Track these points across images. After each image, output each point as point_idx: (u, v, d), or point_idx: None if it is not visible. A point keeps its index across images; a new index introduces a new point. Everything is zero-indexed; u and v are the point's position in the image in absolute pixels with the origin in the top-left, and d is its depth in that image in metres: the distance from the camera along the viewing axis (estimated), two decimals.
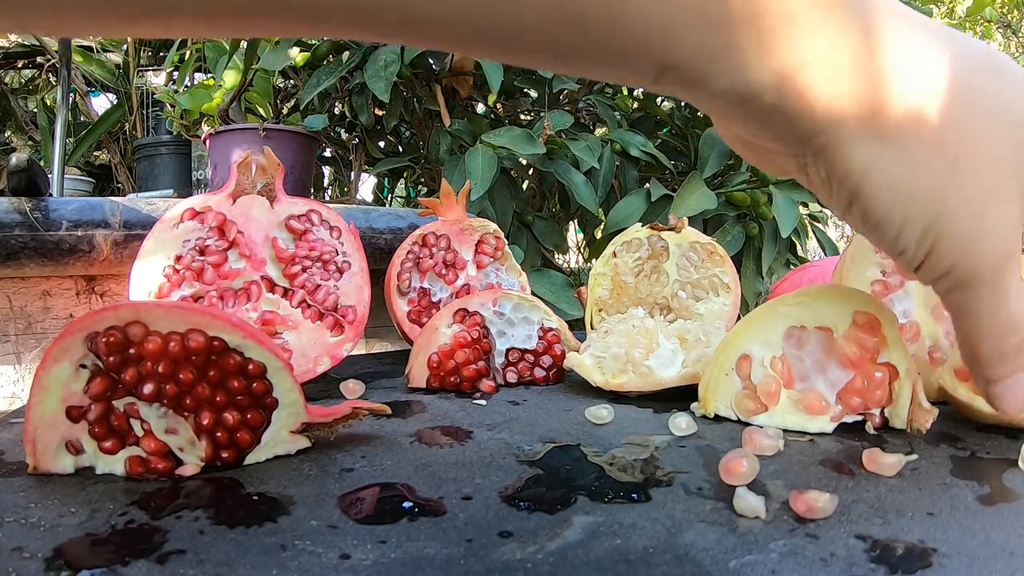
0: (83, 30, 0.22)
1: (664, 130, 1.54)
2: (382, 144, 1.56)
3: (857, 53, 0.25)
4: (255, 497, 0.30)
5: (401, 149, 1.60)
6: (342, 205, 1.11)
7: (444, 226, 0.66)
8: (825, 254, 1.44)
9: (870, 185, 0.27)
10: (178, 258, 0.51)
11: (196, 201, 0.53)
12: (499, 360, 0.54)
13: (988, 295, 0.29)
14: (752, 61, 0.24)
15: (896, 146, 0.26)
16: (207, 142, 1.24)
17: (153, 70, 1.78)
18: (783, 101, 0.25)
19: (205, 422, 0.33)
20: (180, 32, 0.23)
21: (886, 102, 0.26)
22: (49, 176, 1.24)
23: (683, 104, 1.54)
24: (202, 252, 0.52)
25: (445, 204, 0.66)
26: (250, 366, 0.34)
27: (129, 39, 1.78)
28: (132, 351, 0.32)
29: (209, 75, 1.49)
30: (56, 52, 1.63)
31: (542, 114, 1.24)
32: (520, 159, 1.25)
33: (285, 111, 1.52)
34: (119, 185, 1.96)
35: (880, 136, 0.26)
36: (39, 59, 1.88)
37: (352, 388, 0.49)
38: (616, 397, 0.49)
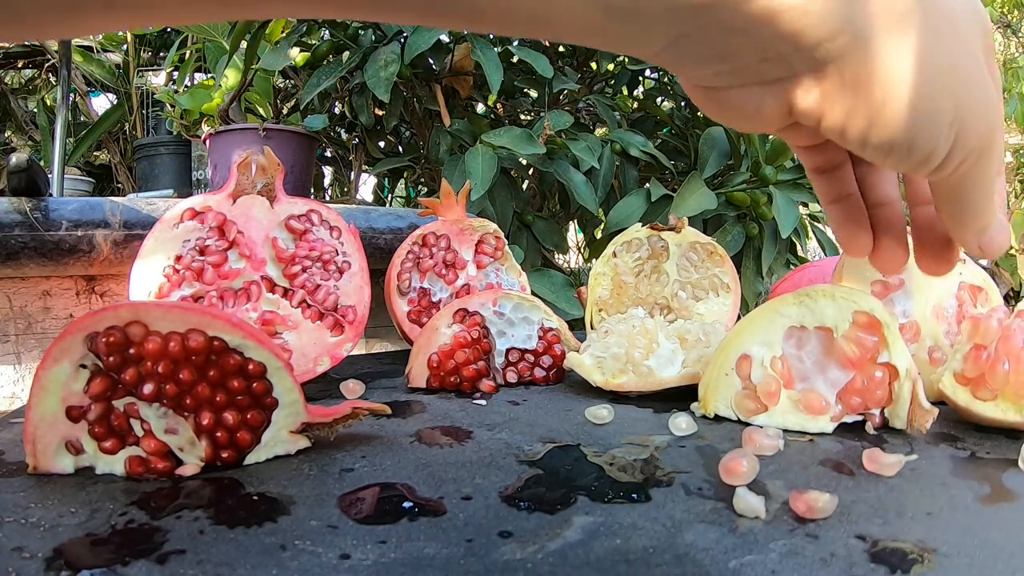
0: (184, 18, 0.22)
1: (664, 130, 1.54)
2: (382, 144, 1.56)
3: None
4: (255, 497, 0.30)
5: (401, 149, 1.60)
6: (342, 205, 1.11)
7: (444, 226, 0.66)
8: (825, 254, 1.44)
9: (902, 78, 0.25)
10: (178, 258, 0.51)
11: (196, 201, 0.53)
12: (499, 360, 0.54)
13: (992, 156, 0.29)
14: None
15: (912, 29, 0.25)
16: (207, 142, 1.24)
17: (153, 70, 1.78)
18: None
19: (205, 422, 0.33)
20: (271, 13, 0.23)
21: None
22: (49, 176, 1.24)
23: (683, 104, 1.54)
24: (202, 252, 0.52)
25: (445, 204, 0.66)
26: (250, 366, 0.34)
27: (129, 38, 1.78)
28: (132, 351, 0.32)
29: (209, 75, 1.49)
30: (56, 52, 1.63)
31: (542, 114, 1.24)
32: (520, 159, 1.24)
33: (285, 111, 1.52)
34: (119, 185, 1.96)
35: (896, 22, 0.25)
36: (39, 59, 1.88)
37: (352, 388, 0.49)
38: (616, 397, 0.49)
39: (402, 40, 1.16)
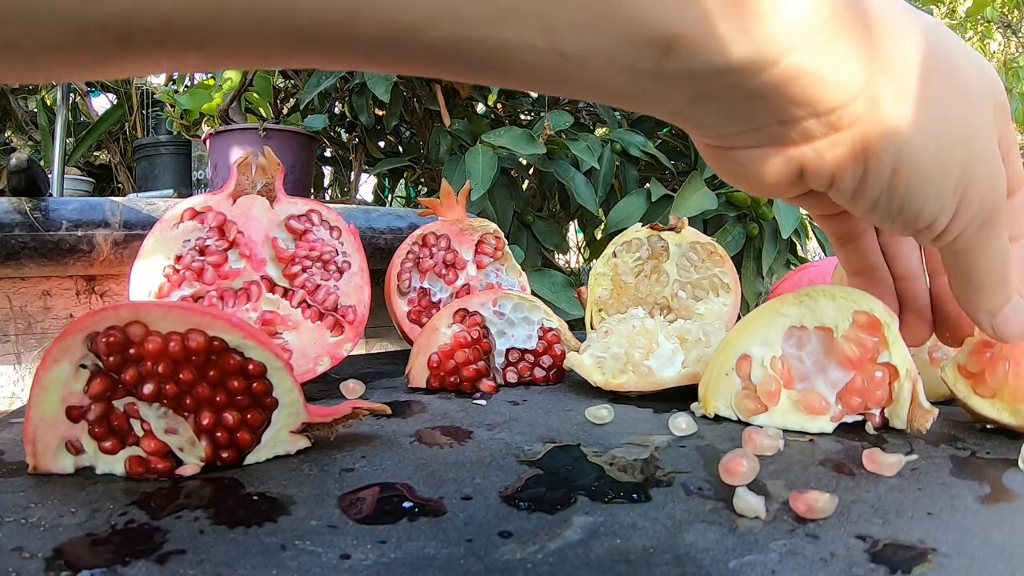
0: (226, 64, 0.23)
1: (664, 130, 1.54)
2: (382, 144, 1.56)
3: (856, 16, 0.25)
4: (255, 497, 0.30)
5: (401, 149, 1.60)
6: (342, 205, 1.11)
7: (444, 226, 0.66)
8: (825, 254, 1.44)
9: (912, 147, 0.25)
10: (178, 258, 0.51)
11: (196, 201, 0.53)
12: (499, 360, 0.54)
13: (999, 225, 0.29)
14: (768, 20, 0.23)
15: (926, 99, 0.26)
16: (207, 142, 1.24)
17: None
18: (811, 62, 0.24)
19: (205, 422, 0.33)
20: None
21: (906, 55, 0.25)
22: (49, 176, 1.24)
23: None
24: (202, 252, 0.52)
25: (445, 204, 0.66)
26: (250, 366, 0.34)
27: None
28: (132, 351, 0.32)
29: (209, 75, 1.49)
30: None
31: (542, 114, 1.24)
32: (520, 159, 1.25)
33: (285, 111, 1.52)
34: (119, 185, 1.96)
35: (911, 91, 0.25)
36: None
37: (352, 388, 0.49)
38: (616, 397, 0.49)
39: None
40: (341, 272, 0.56)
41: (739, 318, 0.57)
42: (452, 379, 0.51)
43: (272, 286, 0.53)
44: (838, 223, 0.35)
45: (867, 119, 0.25)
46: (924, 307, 0.35)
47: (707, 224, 1.31)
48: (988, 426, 0.41)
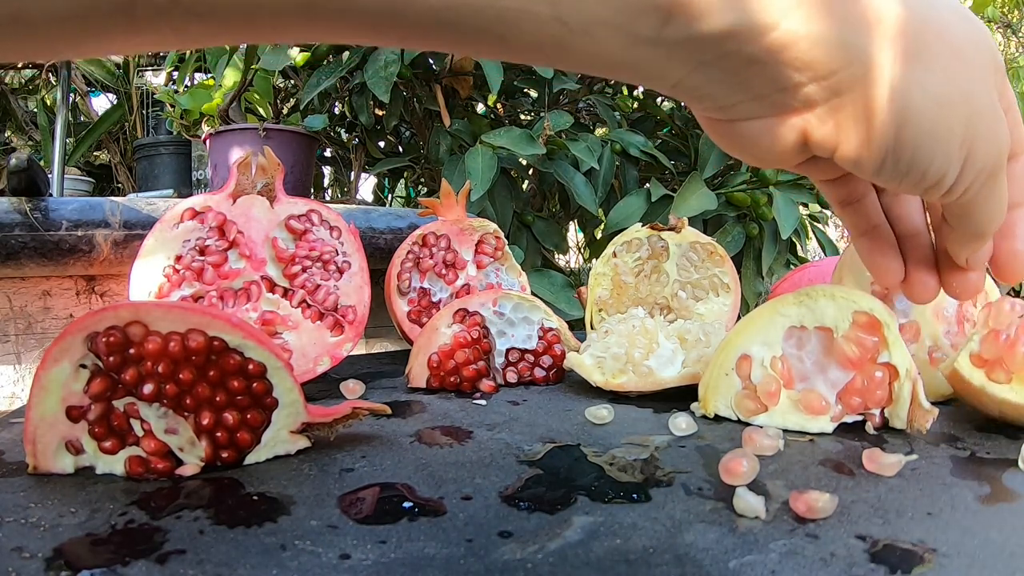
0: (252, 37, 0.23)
1: (664, 130, 1.54)
2: (382, 144, 1.56)
3: None
4: (255, 497, 0.30)
5: (401, 149, 1.60)
6: (342, 205, 1.11)
7: (444, 226, 0.66)
8: (825, 254, 1.44)
9: (915, 106, 0.26)
10: (178, 258, 0.51)
11: (196, 201, 0.53)
12: (499, 360, 0.54)
13: (1002, 177, 0.29)
14: None
15: (922, 58, 0.26)
16: (207, 142, 1.24)
17: (153, 70, 1.78)
18: (806, 25, 0.24)
19: (205, 422, 0.33)
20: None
21: (897, 15, 0.25)
22: (49, 176, 1.24)
23: (683, 104, 1.54)
24: (202, 252, 0.52)
25: (445, 204, 0.66)
26: (250, 366, 0.34)
27: None
28: (132, 351, 0.32)
29: (209, 75, 1.49)
30: None
31: (542, 114, 1.24)
32: (520, 159, 1.24)
33: (285, 111, 1.52)
34: (119, 185, 1.96)
35: (907, 51, 0.25)
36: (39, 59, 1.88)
37: (352, 388, 0.49)
38: (616, 397, 0.49)
39: None
40: (341, 272, 0.56)
41: (739, 318, 0.57)
42: (452, 379, 0.51)
43: (272, 286, 0.53)
44: (840, 187, 0.35)
45: (866, 81, 0.25)
46: (930, 262, 0.35)
47: (707, 224, 1.31)
48: (996, 417, 0.40)
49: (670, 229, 0.65)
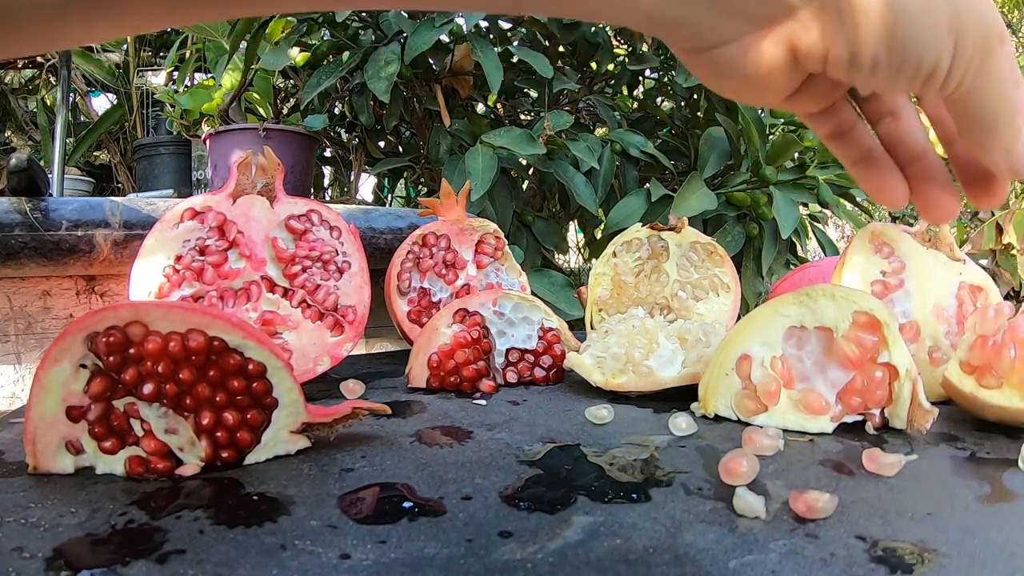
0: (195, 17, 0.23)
1: (664, 130, 1.54)
2: (382, 144, 1.56)
3: None
4: (255, 497, 0.30)
5: (401, 149, 1.60)
6: (342, 205, 1.11)
7: (444, 226, 0.66)
8: (825, 254, 1.44)
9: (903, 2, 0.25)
10: (178, 258, 0.51)
11: (196, 201, 0.53)
12: (499, 360, 0.54)
13: (999, 58, 0.29)
14: None
15: None
16: (207, 142, 1.24)
17: (153, 70, 1.78)
18: None
19: (205, 422, 0.33)
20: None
21: None
22: (49, 176, 1.24)
23: (683, 104, 1.54)
24: (202, 252, 0.52)
25: (445, 204, 0.66)
26: (250, 366, 0.34)
27: (129, 38, 1.78)
28: (132, 351, 0.32)
29: (209, 75, 1.49)
30: (56, 52, 1.63)
31: (542, 114, 1.24)
32: (520, 159, 1.25)
33: (285, 111, 1.52)
34: (119, 185, 1.96)
35: None
36: (39, 59, 1.88)
37: (352, 388, 0.49)
38: (616, 397, 0.49)
39: (402, 40, 1.16)
40: (341, 272, 0.56)
41: (739, 318, 0.57)
42: (452, 379, 0.51)
43: (272, 286, 0.53)
44: (829, 118, 0.35)
45: None
46: (944, 178, 0.35)
47: (707, 224, 1.31)
48: (993, 421, 0.40)
49: (670, 229, 0.65)
